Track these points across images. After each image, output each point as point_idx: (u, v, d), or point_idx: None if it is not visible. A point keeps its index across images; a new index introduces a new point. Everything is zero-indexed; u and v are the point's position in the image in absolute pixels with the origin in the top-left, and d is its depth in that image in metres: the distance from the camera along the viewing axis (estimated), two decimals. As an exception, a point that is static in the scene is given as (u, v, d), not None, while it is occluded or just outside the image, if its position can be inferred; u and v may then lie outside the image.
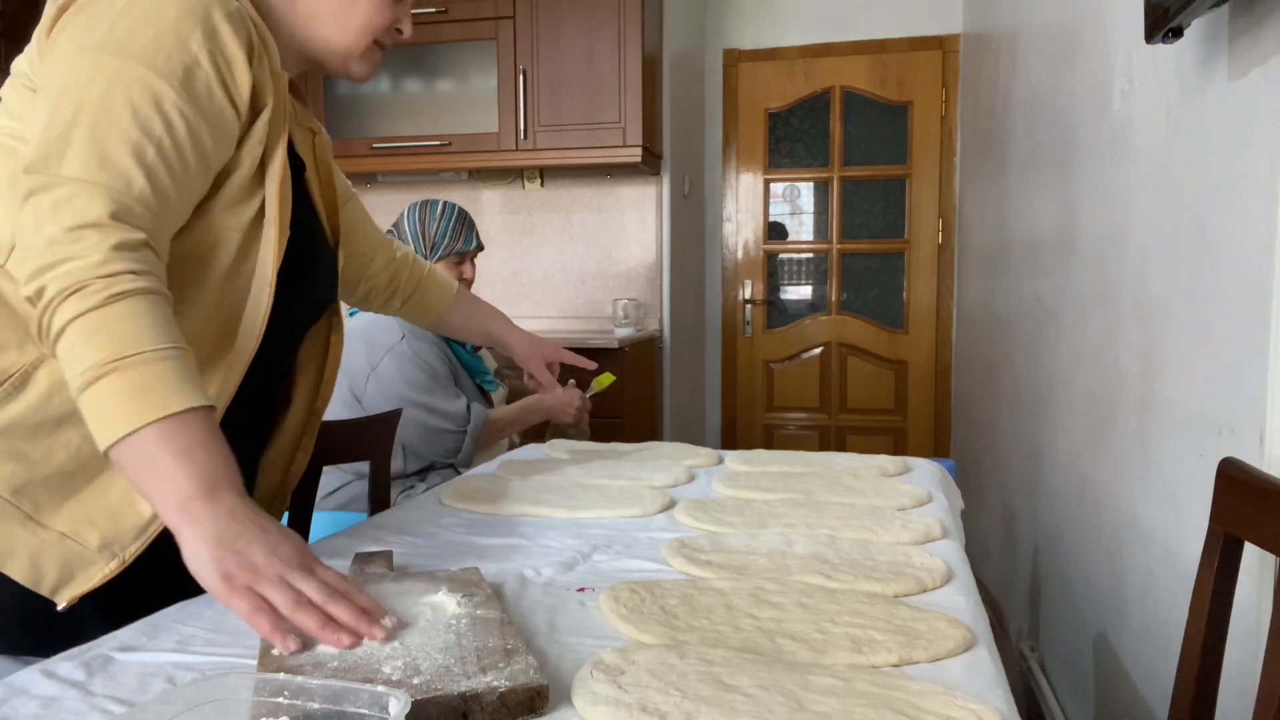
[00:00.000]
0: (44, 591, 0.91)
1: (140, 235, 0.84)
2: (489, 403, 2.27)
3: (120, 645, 0.82)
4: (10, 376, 0.91)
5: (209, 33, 0.90)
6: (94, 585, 0.92)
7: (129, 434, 0.78)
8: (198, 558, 0.78)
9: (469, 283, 2.22)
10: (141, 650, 0.81)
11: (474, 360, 2.25)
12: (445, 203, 2.20)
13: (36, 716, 0.68)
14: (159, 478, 0.78)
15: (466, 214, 2.22)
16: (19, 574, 0.91)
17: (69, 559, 0.92)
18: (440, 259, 2.16)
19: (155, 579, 0.98)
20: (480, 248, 2.24)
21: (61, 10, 0.91)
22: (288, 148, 1.03)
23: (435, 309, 1.53)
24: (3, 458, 0.90)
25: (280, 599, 0.76)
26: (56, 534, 0.92)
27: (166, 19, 0.88)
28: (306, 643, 0.76)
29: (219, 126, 0.92)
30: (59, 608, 0.91)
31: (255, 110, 0.96)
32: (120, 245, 0.82)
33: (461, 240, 2.17)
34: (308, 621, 0.75)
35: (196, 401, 0.81)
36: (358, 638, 0.75)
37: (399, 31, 1.10)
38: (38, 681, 0.74)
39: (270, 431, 1.17)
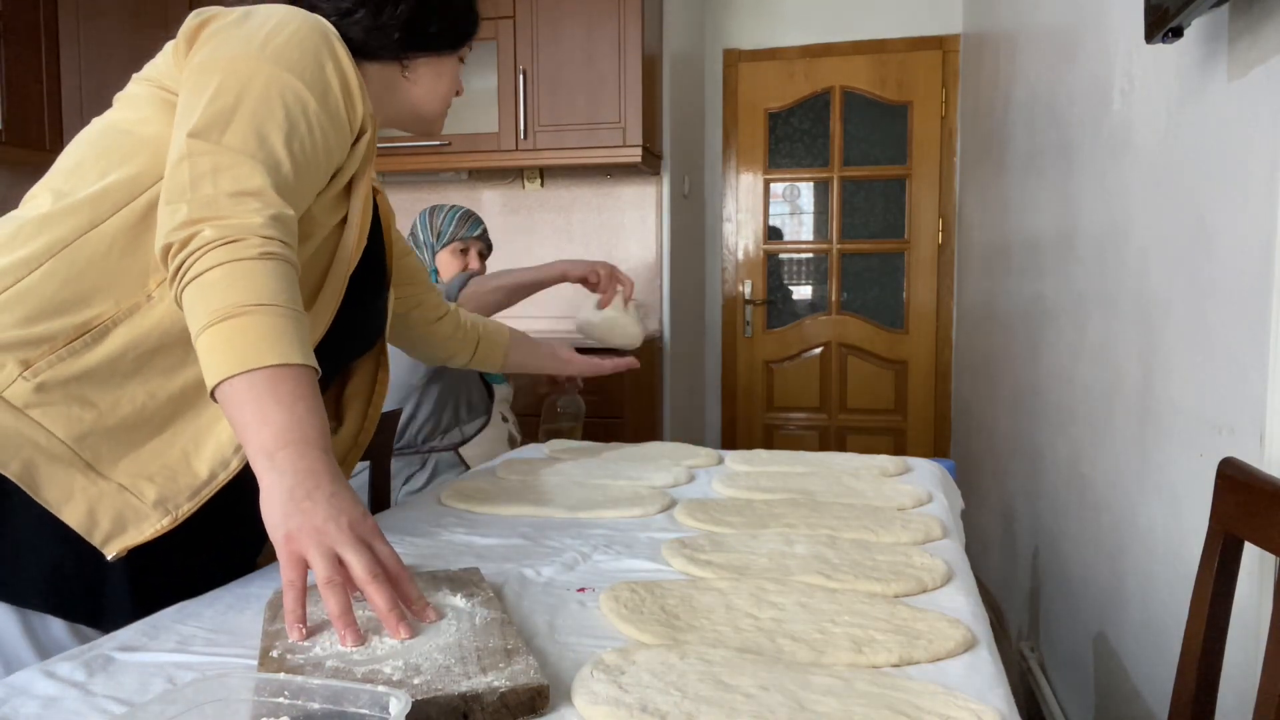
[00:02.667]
0: (95, 540, 0.94)
1: (292, 211, 0.92)
2: (490, 395, 2.28)
3: (120, 645, 0.82)
4: (92, 329, 0.95)
5: (337, 64, 1.02)
6: (145, 539, 0.95)
7: (243, 372, 0.81)
8: (271, 509, 0.79)
9: (476, 273, 2.29)
10: (141, 650, 0.81)
11: None
12: (454, 204, 2.38)
13: (37, 716, 0.68)
14: (258, 419, 0.81)
15: (475, 214, 2.39)
16: (74, 520, 0.93)
17: (124, 511, 0.95)
18: (446, 245, 2.30)
19: (189, 558, 1.02)
20: (488, 244, 2.38)
21: (202, 26, 1.00)
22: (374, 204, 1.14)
23: (501, 346, 1.65)
24: (71, 404, 0.94)
25: (321, 568, 0.77)
26: (115, 485, 0.95)
27: (308, 45, 1.00)
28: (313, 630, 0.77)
29: (341, 139, 1.03)
30: (109, 557, 0.94)
31: (359, 134, 1.07)
32: (278, 217, 0.89)
33: (466, 228, 2.32)
34: (332, 602, 0.76)
35: (310, 361, 0.86)
36: (363, 642, 0.75)
37: (458, 93, 1.26)
38: (38, 681, 0.74)
39: None
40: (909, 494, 1.36)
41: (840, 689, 0.70)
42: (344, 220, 1.08)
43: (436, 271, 2.33)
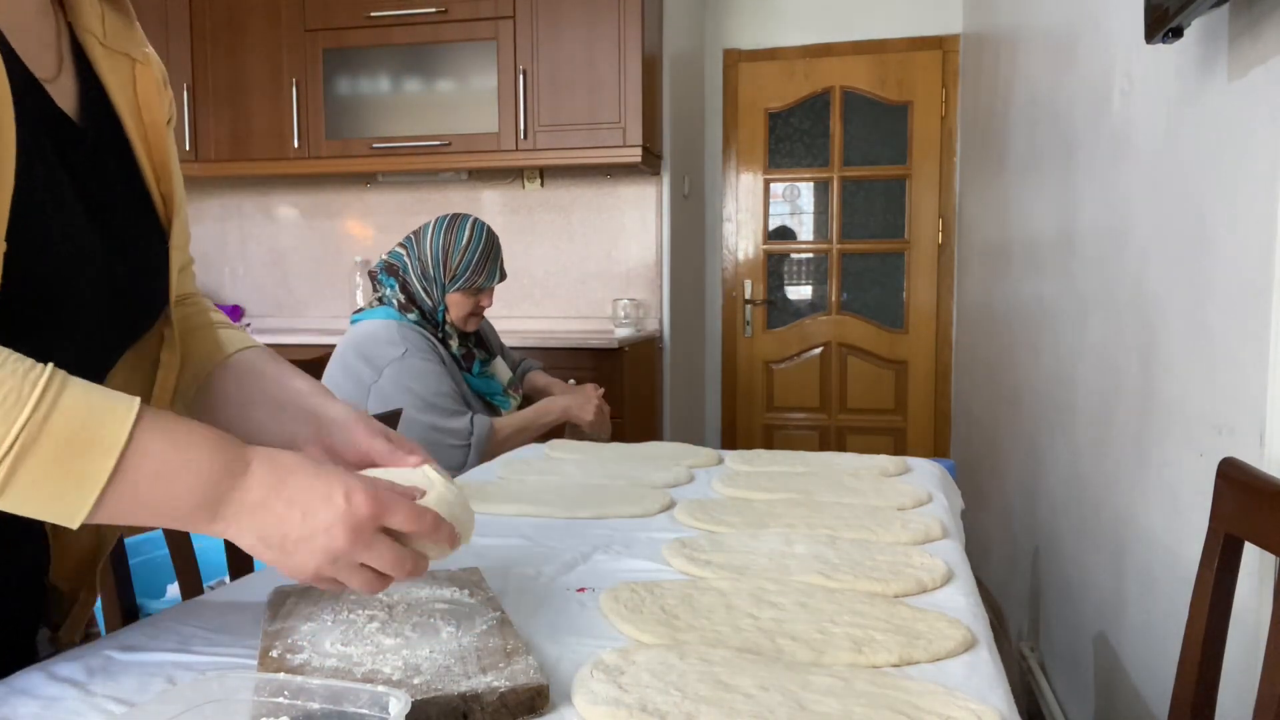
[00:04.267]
0: None
1: None
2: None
3: (120, 645, 0.82)
4: None
5: None
6: None
7: (124, 449, 0.63)
8: (271, 562, 0.70)
9: (483, 310, 2.18)
10: (141, 650, 0.81)
11: (482, 382, 2.20)
12: (475, 226, 2.10)
13: (37, 716, 0.68)
14: (163, 496, 0.66)
15: (495, 242, 2.13)
16: None
17: None
18: (458, 290, 2.10)
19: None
20: (503, 278, 2.17)
21: None
22: (96, 87, 0.81)
23: (205, 365, 0.95)
24: None
25: (359, 583, 0.71)
26: None
27: None
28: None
29: None
30: None
31: None
32: None
33: (484, 275, 2.10)
34: (378, 586, 0.72)
35: (131, 399, 0.66)
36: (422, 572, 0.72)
37: None
38: (38, 681, 0.74)
39: None
40: (909, 494, 1.36)
41: (840, 689, 0.70)
42: None
43: (445, 310, 2.11)
